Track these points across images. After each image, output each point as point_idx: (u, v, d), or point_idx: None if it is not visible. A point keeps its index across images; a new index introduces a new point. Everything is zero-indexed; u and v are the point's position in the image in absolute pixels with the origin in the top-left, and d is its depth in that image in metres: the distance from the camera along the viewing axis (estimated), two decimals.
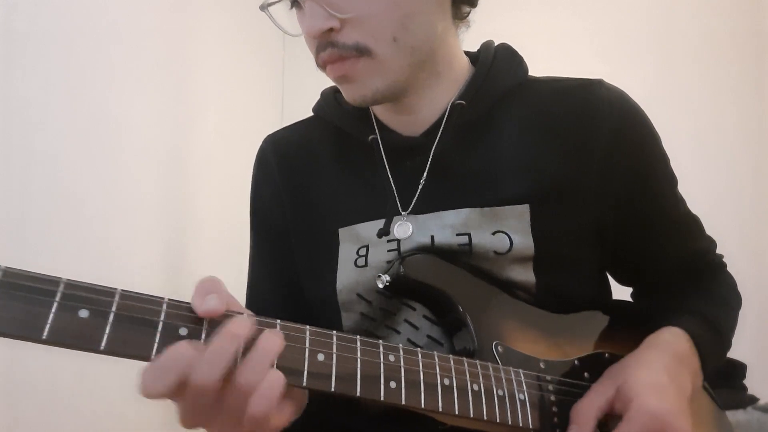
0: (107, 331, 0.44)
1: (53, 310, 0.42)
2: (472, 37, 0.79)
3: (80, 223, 1.51)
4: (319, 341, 0.52)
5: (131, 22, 1.72)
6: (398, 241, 0.72)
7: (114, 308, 0.44)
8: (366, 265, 0.72)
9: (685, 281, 0.81)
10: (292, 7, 0.71)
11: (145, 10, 1.78)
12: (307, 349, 0.51)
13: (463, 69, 0.78)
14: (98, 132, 1.59)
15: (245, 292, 0.85)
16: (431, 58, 0.72)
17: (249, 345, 0.47)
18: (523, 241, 0.70)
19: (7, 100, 1.34)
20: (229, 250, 1.71)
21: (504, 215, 0.70)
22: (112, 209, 1.62)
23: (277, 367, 0.48)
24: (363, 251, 0.73)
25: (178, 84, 1.94)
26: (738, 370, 1.33)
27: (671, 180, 0.80)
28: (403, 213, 0.73)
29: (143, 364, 0.45)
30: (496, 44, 0.82)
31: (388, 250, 0.72)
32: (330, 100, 0.82)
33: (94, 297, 0.44)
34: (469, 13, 0.76)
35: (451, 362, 0.59)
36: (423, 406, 0.55)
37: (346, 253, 0.74)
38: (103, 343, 0.43)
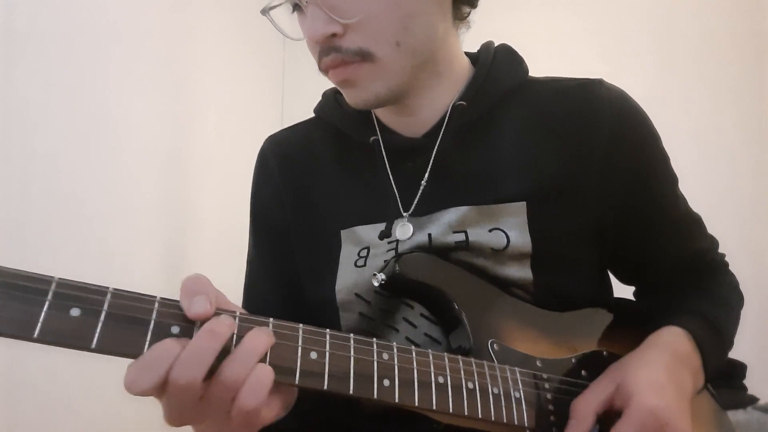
0: (98, 330, 0.44)
1: (45, 308, 0.42)
2: (472, 37, 0.79)
3: (80, 223, 1.51)
4: (312, 339, 0.52)
5: (131, 22, 1.73)
6: (398, 241, 0.72)
7: (106, 307, 0.44)
8: (365, 265, 0.72)
9: (686, 281, 0.81)
10: (293, 11, 0.70)
11: (145, 10, 1.78)
12: (299, 347, 0.51)
13: (463, 69, 0.78)
14: (98, 132, 1.59)
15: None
16: (432, 59, 0.72)
17: (238, 343, 0.47)
18: (520, 238, 0.70)
19: (7, 100, 1.34)
20: (229, 250, 1.70)
21: (500, 212, 0.70)
22: (112, 209, 1.62)
23: (270, 365, 0.48)
24: (364, 252, 0.73)
25: (178, 84, 1.94)
26: (738, 370, 1.33)
27: (671, 180, 0.80)
28: (404, 215, 0.73)
29: None
30: (496, 45, 0.82)
31: (388, 251, 0.72)
32: (331, 101, 0.82)
33: (86, 296, 0.44)
34: (469, 13, 0.76)
35: (446, 360, 0.59)
36: (417, 404, 0.55)
37: (348, 255, 0.74)
38: (95, 342, 0.43)
